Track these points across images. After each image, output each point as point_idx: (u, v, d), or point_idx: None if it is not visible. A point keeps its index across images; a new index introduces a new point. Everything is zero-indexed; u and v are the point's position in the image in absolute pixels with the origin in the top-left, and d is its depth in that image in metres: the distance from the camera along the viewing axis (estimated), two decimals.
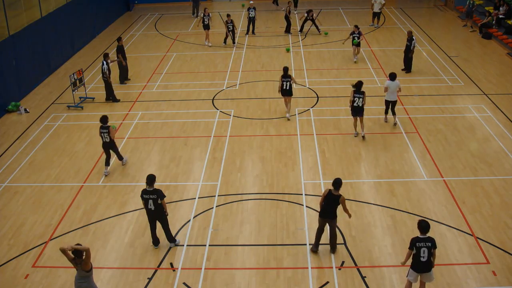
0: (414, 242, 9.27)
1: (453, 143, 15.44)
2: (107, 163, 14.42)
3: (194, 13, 31.68)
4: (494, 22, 25.96)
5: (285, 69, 16.91)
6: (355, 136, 15.82)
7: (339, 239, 11.44)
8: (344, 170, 14.21)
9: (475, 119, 16.94)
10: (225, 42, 25.68)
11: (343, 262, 10.79)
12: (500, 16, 25.92)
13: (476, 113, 17.35)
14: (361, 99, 15.20)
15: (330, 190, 10.62)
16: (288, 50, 24.35)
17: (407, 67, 21.00)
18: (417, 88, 19.52)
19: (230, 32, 25.03)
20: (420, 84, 19.92)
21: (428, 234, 9.31)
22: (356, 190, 13.28)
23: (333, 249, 11.02)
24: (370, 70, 21.55)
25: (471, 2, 26.82)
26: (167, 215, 11.12)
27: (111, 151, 14.43)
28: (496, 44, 24.54)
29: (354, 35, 22.22)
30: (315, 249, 11.04)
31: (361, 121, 15.72)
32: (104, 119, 14.15)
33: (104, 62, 18.71)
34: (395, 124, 16.46)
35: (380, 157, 14.78)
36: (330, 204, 10.59)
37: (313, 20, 26.41)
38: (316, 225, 11.88)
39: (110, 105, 18.95)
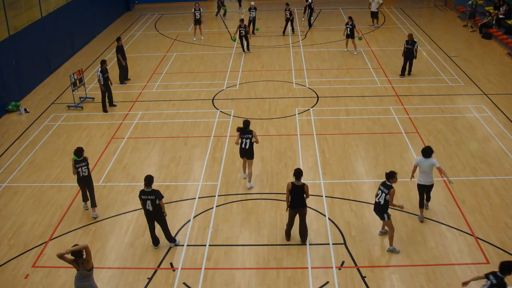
0: None
1: (453, 143, 15.44)
2: (86, 197, 12.70)
3: (224, 13, 31.45)
4: (494, 22, 25.96)
5: (246, 123, 13.20)
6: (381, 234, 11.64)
7: (339, 239, 11.45)
8: (344, 170, 14.21)
9: (475, 119, 16.94)
10: (245, 49, 24.33)
11: (343, 262, 10.79)
12: (500, 16, 25.92)
13: (476, 113, 17.35)
14: (383, 195, 10.80)
15: (292, 182, 10.86)
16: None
17: (409, 70, 20.58)
18: (417, 88, 19.52)
19: (244, 38, 23.99)
20: (420, 84, 19.92)
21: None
22: (356, 190, 13.28)
23: (304, 238, 11.28)
24: (370, 70, 21.55)
25: (474, 2, 26.83)
26: (166, 215, 11.12)
27: (87, 189, 12.57)
28: (496, 44, 24.54)
29: (347, 26, 23.28)
30: (288, 239, 11.42)
31: (389, 227, 11.10)
32: (79, 152, 12.17)
33: (99, 69, 18.03)
34: (426, 208, 12.26)
35: (380, 157, 14.78)
36: (297, 195, 10.86)
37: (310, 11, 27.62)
38: (315, 225, 11.93)
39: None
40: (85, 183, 12.42)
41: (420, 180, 11.83)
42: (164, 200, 11.13)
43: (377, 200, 10.95)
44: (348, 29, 23.16)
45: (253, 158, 13.39)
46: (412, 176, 12.23)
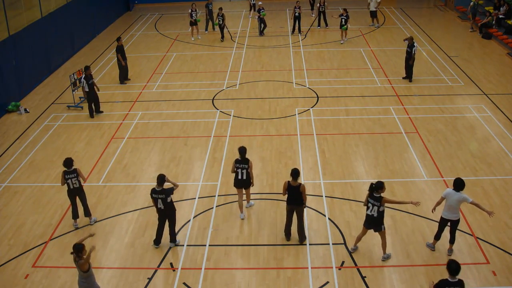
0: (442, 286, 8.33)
1: (453, 143, 15.44)
2: (76, 214, 12.16)
3: (206, 28, 28.17)
4: (494, 22, 25.96)
5: (242, 151, 11.88)
6: (352, 251, 11.08)
7: (339, 239, 11.45)
8: (344, 170, 14.21)
9: (475, 119, 16.94)
10: (222, 38, 26.33)
11: (343, 262, 10.79)
12: (500, 16, 25.92)
13: (476, 113, 17.35)
14: (376, 208, 10.32)
15: (289, 181, 10.95)
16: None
17: (409, 76, 20.17)
18: (417, 88, 19.52)
19: (218, 27, 25.94)
20: (420, 84, 19.92)
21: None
22: (356, 190, 13.28)
23: (300, 237, 11.32)
24: (370, 70, 21.55)
25: (476, 2, 26.82)
26: (177, 186, 11.12)
27: (78, 199, 12.10)
28: (496, 44, 24.54)
29: (342, 17, 24.62)
30: (287, 237, 11.45)
31: (381, 237, 10.71)
32: (68, 163, 11.75)
33: (83, 76, 17.42)
34: (449, 254, 10.89)
35: (380, 157, 14.78)
36: (293, 194, 10.95)
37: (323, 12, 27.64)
38: (315, 225, 11.93)
39: (110, 105, 18.95)
40: (77, 195, 12.01)
41: (445, 214, 10.59)
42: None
43: (370, 213, 10.39)
44: (343, 20, 24.51)
45: (250, 186, 12.17)
46: (434, 209, 10.81)
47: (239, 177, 11.93)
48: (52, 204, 13.22)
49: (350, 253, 11.03)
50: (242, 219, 12.27)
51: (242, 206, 12.30)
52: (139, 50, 25.56)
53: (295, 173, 10.87)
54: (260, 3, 27.28)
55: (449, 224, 10.69)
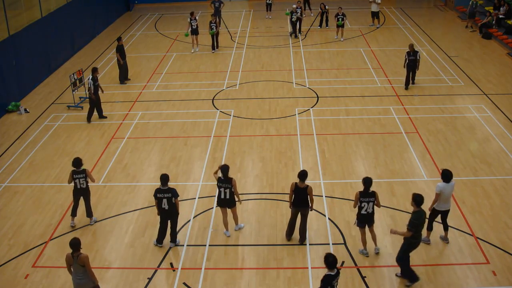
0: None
1: (453, 143, 15.45)
2: (75, 212, 12.15)
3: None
4: (494, 22, 25.97)
5: (225, 170, 11.18)
6: (366, 256, 11.00)
7: (339, 239, 11.46)
8: (344, 170, 14.21)
9: (475, 119, 16.94)
10: (214, 47, 24.62)
11: (343, 262, 10.79)
12: (500, 16, 25.94)
13: (476, 113, 17.35)
14: (371, 204, 10.57)
15: (296, 183, 10.89)
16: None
17: (412, 79, 19.59)
18: (417, 88, 19.52)
19: (212, 35, 24.17)
20: (420, 84, 19.92)
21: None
22: (356, 190, 13.20)
23: (301, 238, 11.29)
24: (370, 70, 21.55)
25: (474, 2, 26.84)
26: (178, 214, 11.18)
27: (83, 199, 12.09)
28: (496, 44, 24.54)
29: (338, 16, 25.21)
30: (288, 238, 11.43)
31: (371, 231, 10.94)
32: (77, 162, 11.77)
33: (90, 77, 17.24)
34: (446, 242, 11.23)
35: (380, 157, 14.78)
36: (300, 196, 10.90)
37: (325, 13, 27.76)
38: (315, 225, 11.93)
39: (110, 105, 18.95)
40: (82, 195, 12.01)
41: (441, 206, 10.75)
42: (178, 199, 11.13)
43: (365, 212, 10.50)
44: (340, 18, 25.12)
45: (234, 205, 11.51)
46: (431, 208, 10.86)
47: (222, 196, 11.31)
48: (52, 204, 13.22)
49: (350, 253, 11.03)
50: (228, 236, 11.67)
51: (227, 224, 11.68)
52: (139, 50, 25.56)
53: (303, 174, 10.81)
54: (294, 5, 26.26)
55: (440, 214, 11.00)
